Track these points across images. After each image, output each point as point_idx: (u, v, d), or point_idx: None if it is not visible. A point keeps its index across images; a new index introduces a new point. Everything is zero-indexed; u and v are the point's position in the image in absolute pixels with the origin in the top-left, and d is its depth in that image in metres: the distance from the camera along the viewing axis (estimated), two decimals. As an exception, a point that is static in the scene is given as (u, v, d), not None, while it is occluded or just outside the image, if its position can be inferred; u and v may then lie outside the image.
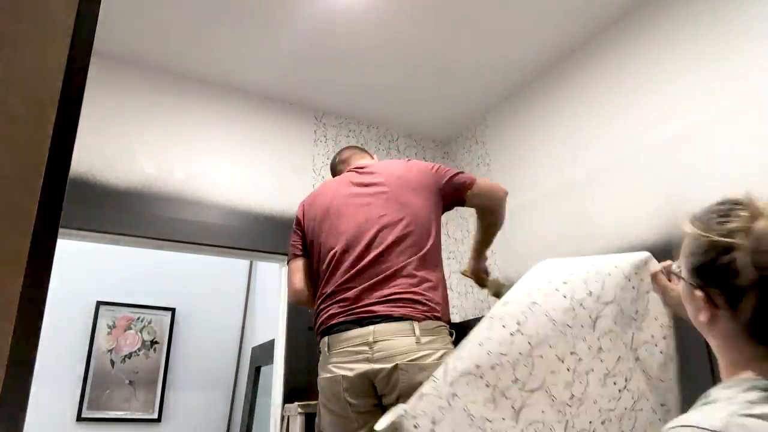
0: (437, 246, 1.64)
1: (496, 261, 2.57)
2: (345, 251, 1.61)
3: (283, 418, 2.25)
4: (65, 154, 0.54)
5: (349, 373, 1.49)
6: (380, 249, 1.57)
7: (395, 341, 1.46)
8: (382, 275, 1.54)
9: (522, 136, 2.61)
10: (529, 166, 2.54)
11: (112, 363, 3.45)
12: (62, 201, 0.53)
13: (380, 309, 1.51)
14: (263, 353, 3.49)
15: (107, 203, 2.23)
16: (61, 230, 0.53)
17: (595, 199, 2.16)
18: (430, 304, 1.52)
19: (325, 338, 1.58)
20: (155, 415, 3.45)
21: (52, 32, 0.55)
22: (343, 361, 1.52)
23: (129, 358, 3.50)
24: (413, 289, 1.53)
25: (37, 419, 3.14)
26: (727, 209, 0.82)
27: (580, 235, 2.19)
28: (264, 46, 2.34)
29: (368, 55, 2.42)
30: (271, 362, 2.64)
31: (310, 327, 2.43)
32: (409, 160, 1.80)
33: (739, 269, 0.73)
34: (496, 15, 2.17)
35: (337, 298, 1.58)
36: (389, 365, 1.44)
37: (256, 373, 3.61)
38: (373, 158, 1.88)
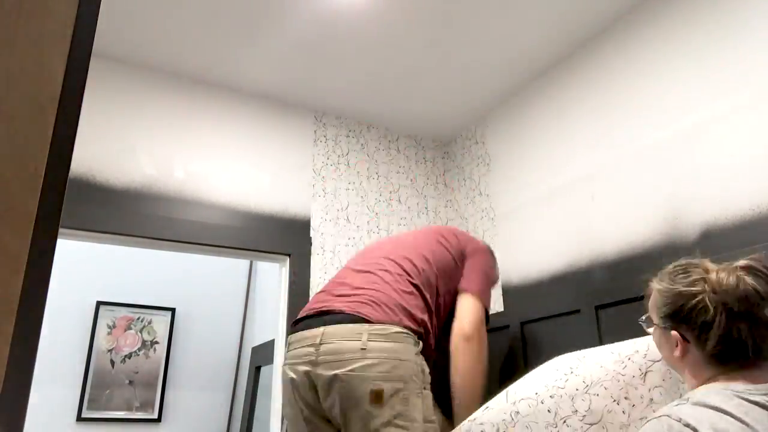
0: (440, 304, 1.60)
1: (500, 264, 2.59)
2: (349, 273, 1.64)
3: (283, 417, 2.25)
4: (65, 154, 0.54)
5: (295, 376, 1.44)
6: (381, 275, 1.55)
7: (342, 344, 1.36)
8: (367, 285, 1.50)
9: (522, 136, 2.61)
10: (529, 165, 2.54)
11: (112, 363, 3.45)
12: (62, 201, 0.53)
13: (338, 304, 1.44)
14: (263, 353, 3.49)
15: (107, 203, 2.23)
16: (61, 230, 0.53)
17: (596, 198, 2.16)
18: (402, 312, 1.43)
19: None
20: (155, 415, 3.46)
21: (52, 32, 0.55)
22: (293, 362, 1.48)
23: (129, 358, 3.50)
24: (389, 294, 1.46)
25: (37, 419, 3.14)
26: (685, 267, 1.04)
27: (580, 234, 2.19)
28: (264, 46, 2.35)
29: (368, 55, 2.42)
30: (271, 362, 2.64)
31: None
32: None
33: (707, 307, 0.95)
34: (496, 15, 2.17)
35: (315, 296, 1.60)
36: (330, 373, 1.35)
37: (256, 373, 3.61)
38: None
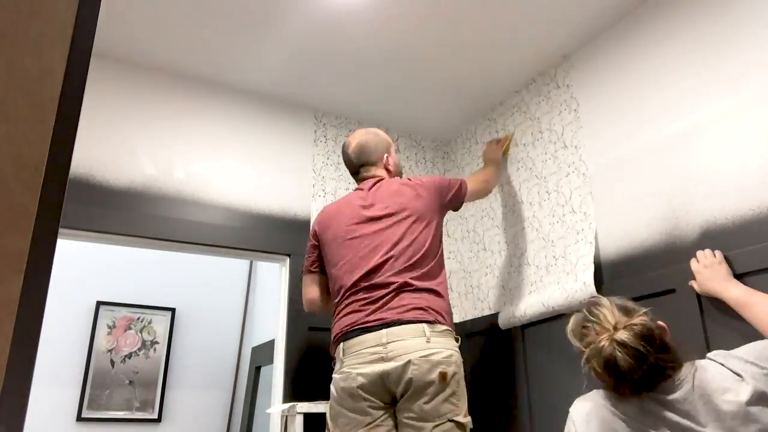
0: (440, 260, 1.88)
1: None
2: (355, 276, 1.81)
3: (283, 417, 2.25)
4: (65, 154, 0.54)
5: (365, 369, 1.68)
6: (388, 273, 1.78)
7: (407, 342, 1.64)
8: (390, 293, 1.74)
9: (519, 139, 2.61)
10: (527, 168, 2.54)
11: (112, 363, 3.45)
12: (62, 201, 0.53)
13: (390, 316, 1.71)
14: (263, 353, 3.49)
15: (107, 203, 2.23)
16: (61, 230, 0.53)
17: (601, 202, 2.16)
18: (434, 311, 1.73)
19: (340, 344, 1.76)
20: (155, 415, 3.46)
21: (52, 32, 0.55)
22: (359, 362, 1.69)
23: (129, 358, 3.50)
24: (418, 300, 1.74)
25: (37, 419, 3.14)
26: (584, 325, 1.33)
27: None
28: (264, 46, 2.35)
29: (368, 55, 2.42)
30: (271, 362, 2.64)
31: (311, 327, 2.44)
32: (409, 179, 2.03)
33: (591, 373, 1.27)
34: (496, 18, 2.17)
35: (350, 313, 1.78)
36: (401, 363, 1.62)
37: (256, 373, 3.61)
38: (386, 160, 2.12)
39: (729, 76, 1.76)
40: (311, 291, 2.02)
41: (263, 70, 2.52)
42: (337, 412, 1.72)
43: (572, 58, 2.39)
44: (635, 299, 1.89)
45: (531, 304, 2.29)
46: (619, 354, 1.19)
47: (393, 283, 1.75)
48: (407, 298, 1.73)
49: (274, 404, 2.34)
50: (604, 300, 1.32)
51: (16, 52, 0.53)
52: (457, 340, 1.74)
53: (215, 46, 2.35)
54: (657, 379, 1.21)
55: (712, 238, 1.72)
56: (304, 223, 2.60)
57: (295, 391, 2.31)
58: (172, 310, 3.70)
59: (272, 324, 2.81)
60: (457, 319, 2.77)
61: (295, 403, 2.14)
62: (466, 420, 1.65)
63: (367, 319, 1.72)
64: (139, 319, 3.59)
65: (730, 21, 1.78)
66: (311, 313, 2.09)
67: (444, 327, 1.71)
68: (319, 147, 2.79)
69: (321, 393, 2.30)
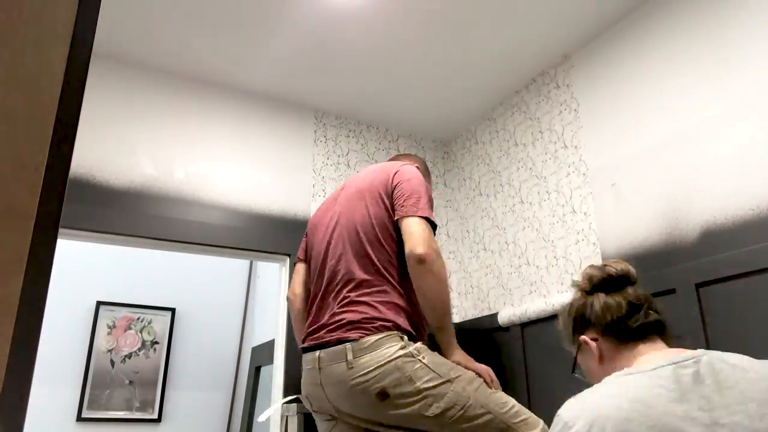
0: (387, 251, 1.60)
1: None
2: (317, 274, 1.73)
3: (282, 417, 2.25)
4: (65, 154, 0.54)
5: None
6: (330, 273, 1.65)
7: (333, 367, 1.49)
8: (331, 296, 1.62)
9: (519, 139, 2.61)
10: (527, 168, 2.54)
11: (112, 363, 3.45)
12: (62, 201, 0.53)
13: (326, 336, 1.57)
14: (263, 353, 3.49)
15: (107, 203, 2.23)
16: (61, 230, 0.53)
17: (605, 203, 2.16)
18: (369, 317, 1.50)
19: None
20: (155, 415, 3.46)
21: (52, 32, 0.55)
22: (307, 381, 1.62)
23: (129, 358, 3.50)
24: (351, 309, 1.54)
25: (37, 419, 3.14)
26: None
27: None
28: (264, 46, 2.35)
29: (368, 55, 2.42)
30: (271, 362, 2.64)
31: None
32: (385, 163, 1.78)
33: (588, 301, 1.11)
34: (496, 18, 2.17)
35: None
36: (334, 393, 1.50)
37: (256, 373, 3.61)
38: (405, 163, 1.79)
39: (729, 75, 1.76)
40: None
41: (263, 70, 2.52)
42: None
43: (572, 58, 2.39)
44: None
45: (534, 302, 2.29)
46: (618, 265, 1.12)
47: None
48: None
49: (273, 404, 2.34)
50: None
51: (16, 52, 0.53)
52: (401, 338, 1.48)
53: (215, 46, 2.35)
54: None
55: (712, 238, 1.72)
56: (304, 223, 2.60)
57: (295, 391, 2.31)
58: (172, 310, 3.70)
59: (272, 324, 2.81)
60: (457, 319, 2.77)
61: (280, 404, 2.14)
62: (443, 402, 1.43)
63: None
64: (139, 319, 3.59)
65: (729, 21, 1.79)
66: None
67: (375, 336, 1.47)
68: (319, 147, 2.79)
69: (321, 393, 2.30)
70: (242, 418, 3.60)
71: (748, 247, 1.60)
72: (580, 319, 1.12)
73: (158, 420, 3.46)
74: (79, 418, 3.27)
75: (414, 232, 1.54)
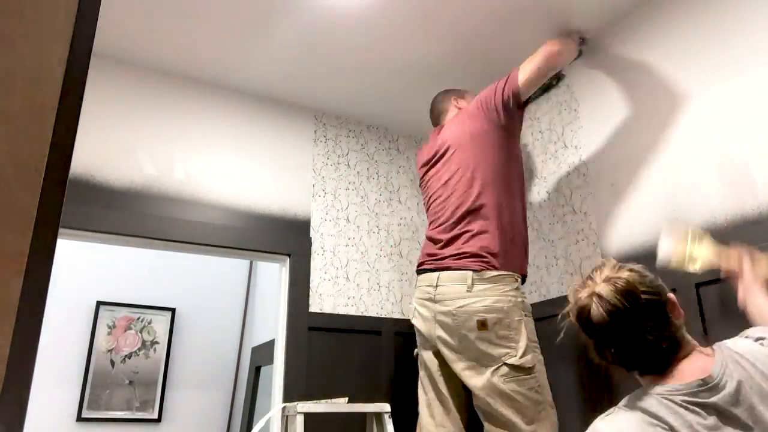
0: (497, 190, 1.87)
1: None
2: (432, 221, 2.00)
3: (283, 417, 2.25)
4: (65, 154, 0.54)
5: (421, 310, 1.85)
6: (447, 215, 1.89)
7: (450, 288, 1.73)
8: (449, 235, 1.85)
9: (520, 139, 2.61)
10: (527, 168, 2.54)
11: (112, 363, 3.45)
12: (62, 201, 0.53)
13: (445, 262, 1.80)
14: (263, 353, 3.49)
15: (107, 203, 2.23)
16: (61, 230, 0.53)
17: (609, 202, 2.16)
18: (482, 254, 1.75)
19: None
20: (155, 415, 3.46)
21: (52, 32, 0.55)
22: (418, 297, 1.88)
23: (129, 358, 3.50)
24: (464, 245, 1.79)
25: (37, 419, 3.14)
26: (578, 285, 1.22)
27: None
28: (264, 46, 2.34)
29: (368, 55, 2.42)
30: (271, 362, 2.64)
31: (311, 327, 2.44)
32: (461, 112, 2.10)
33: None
34: (495, 18, 2.17)
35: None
36: (446, 308, 1.73)
37: (256, 373, 3.61)
38: (458, 101, 2.22)
39: (729, 75, 1.76)
40: None
41: (263, 70, 2.52)
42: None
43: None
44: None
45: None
46: (594, 305, 1.08)
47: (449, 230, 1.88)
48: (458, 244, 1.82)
49: (274, 405, 2.34)
50: (611, 261, 1.18)
51: (16, 52, 0.53)
52: (516, 281, 1.76)
53: (215, 47, 2.35)
54: (648, 355, 1.06)
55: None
56: (304, 223, 2.60)
57: (295, 391, 2.30)
58: (172, 310, 3.70)
59: (272, 324, 2.81)
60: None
61: (284, 406, 2.14)
62: (522, 360, 1.65)
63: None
64: (139, 319, 3.59)
65: (730, 21, 1.78)
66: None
67: (492, 273, 1.72)
68: (319, 147, 2.79)
69: (321, 393, 2.30)
70: (242, 418, 3.60)
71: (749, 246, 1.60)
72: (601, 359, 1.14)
73: (158, 420, 3.46)
74: (79, 418, 3.27)
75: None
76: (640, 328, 1.05)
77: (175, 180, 2.39)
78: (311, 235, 2.59)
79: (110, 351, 3.46)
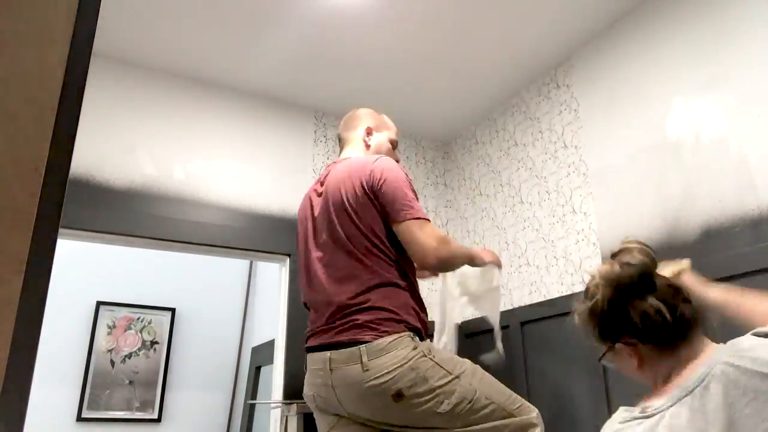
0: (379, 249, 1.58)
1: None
2: None
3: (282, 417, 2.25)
4: (65, 154, 0.54)
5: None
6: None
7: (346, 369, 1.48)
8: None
9: (519, 139, 2.61)
10: (527, 168, 2.54)
11: (112, 363, 3.45)
12: (62, 201, 0.53)
13: (336, 337, 1.54)
14: (263, 353, 3.49)
15: (107, 203, 2.23)
16: (61, 230, 0.53)
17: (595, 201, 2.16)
18: (375, 319, 1.50)
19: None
20: (155, 415, 3.45)
21: (52, 32, 0.55)
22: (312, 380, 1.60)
23: (129, 358, 3.50)
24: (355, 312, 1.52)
25: (37, 419, 3.14)
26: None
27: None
28: (264, 46, 2.35)
29: (368, 56, 2.42)
30: (271, 362, 2.64)
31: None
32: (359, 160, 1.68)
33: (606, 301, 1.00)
34: (496, 18, 2.17)
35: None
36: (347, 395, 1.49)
37: (256, 373, 3.61)
38: (367, 138, 1.79)
39: (729, 75, 1.76)
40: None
41: (263, 70, 2.52)
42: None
43: (572, 58, 2.39)
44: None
45: (533, 296, 2.29)
46: (594, 287, 1.01)
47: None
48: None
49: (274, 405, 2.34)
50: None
51: (16, 52, 0.53)
52: (412, 338, 1.50)
53: (215, 47, 2.35)
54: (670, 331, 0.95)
55: (712, 238, 1.72)
56: (304, 223, 2.60)
57: (295, 391, 2.31)
58: (172, 310, 3.70)
59: (272, 324, 2.81)
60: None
61: (292, 402, 2.14)
62: (449, 406, 1.46)
63: None
64: (139, 319, 3.59)
65: (730, 21, 1.79)
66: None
67: (388, 339, 1.48)
68: (319, 147, 2.78)
69: (321, 393, 2.30)
70: (242, 418, 3.60)
71: (749, 247, 1.60)
72: (611, 324, 1.01)
73: (158, 420, 3.46)
74: (79, 418, 3.27)
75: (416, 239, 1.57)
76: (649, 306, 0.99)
77: (175, 180, 2.39)
78: (311, 235, 2.59)
79: (110, 351, 3.46)
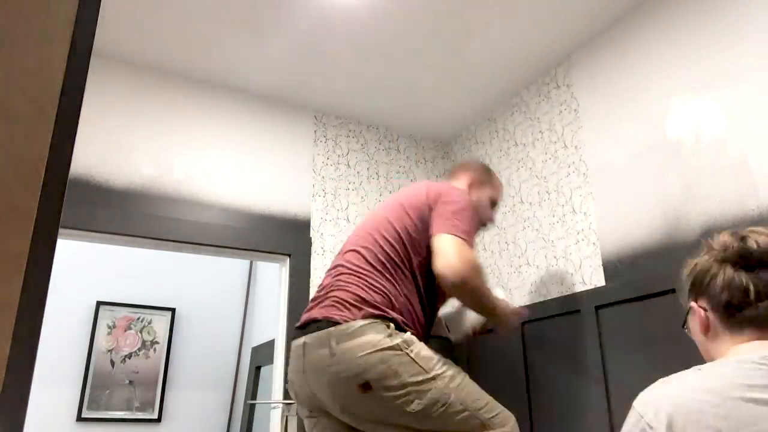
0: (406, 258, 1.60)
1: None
2: None
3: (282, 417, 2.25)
4: (65, 154, 0.54)
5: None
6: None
7: (316, 353, 1.45)
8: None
9: (519, 139, 2.61)
10: (527, 168, 2.54)
11: (112, 363, 3.45)
12: (62, 201, 0.53)
13: (315, 312, 1.54)
14: (263, 353, 3.49)
15: (107, 203, 2.23)
16: (61, 230, 0.53)
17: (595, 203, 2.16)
18: (359, 298, 1.49)
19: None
20: (155, 415, 3.46)
21: (52, 32, 0.55)
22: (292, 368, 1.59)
23: (129, 358, 3.50)
24: (349, 287, 1.52)
25: (37, 419, 3.14)
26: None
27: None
28: (264, 46, 2.35)
29: (368, 56, 2.42)
30: (271, 362, 2.64)
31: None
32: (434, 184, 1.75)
33: (711, 267, 1.00)
34: (496, 18, 2.17)
35: None
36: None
37: (256, 373, 3.61)
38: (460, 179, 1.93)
39: (728, 75, 1.76)
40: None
41: (263, 70, 2.52)
42: None
43: (572, 58, 2.39)
44: (635, 299, 1.90)
45: (532, 297, 2.29)
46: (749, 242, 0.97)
47: None
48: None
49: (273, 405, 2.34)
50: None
51: (16, 52, 0.53)
52: (387, 326, 1.46)
53: (215, 46, 2.35)
54: None
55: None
56: (304, 223, 2.60)
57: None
58: (172, 310, 3.70)
59: (272, 324, 2.81)
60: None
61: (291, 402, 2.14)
62: (419, 406, 1.40)
63: None
64: (139, 319, 3.59)
65: (730, 22, 1.79)
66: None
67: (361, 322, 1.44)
68: (319, 147, 2.79)
69: (321, 393, 2.29)
70: (242, 418, 3.60)
71: (748, 247, 1.60)
72: (698, 284, 1.02)
73: (158, 420, 3.46)
74: (79, 418, 3.27)
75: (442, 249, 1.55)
76: None
77: (174, 180, 2.39)
78: (311, 235, 2.59)
79: (110, 351, 3.46)
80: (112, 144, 2.32)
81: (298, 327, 1.58)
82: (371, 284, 1.53)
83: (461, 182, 1.93)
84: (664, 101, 1.96)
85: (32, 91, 0.53)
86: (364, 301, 1.48)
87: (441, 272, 1.52)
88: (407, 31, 2.26)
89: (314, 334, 1.47)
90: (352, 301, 1.48)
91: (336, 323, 1.44)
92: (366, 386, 1.38)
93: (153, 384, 3.50)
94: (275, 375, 2.42)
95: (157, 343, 3.60)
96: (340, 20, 2.19)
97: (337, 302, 1.49)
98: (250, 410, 3.54)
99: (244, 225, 2.46)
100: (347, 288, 1.52)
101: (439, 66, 2.49)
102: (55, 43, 0.55)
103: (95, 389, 3.35)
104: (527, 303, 2.39)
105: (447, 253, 1.52)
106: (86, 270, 3.51)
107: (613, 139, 2.14)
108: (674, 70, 1.94)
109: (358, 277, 1.54)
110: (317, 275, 2.53)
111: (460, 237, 1.55)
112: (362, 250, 1.61)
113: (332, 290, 1.54)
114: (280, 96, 2.72)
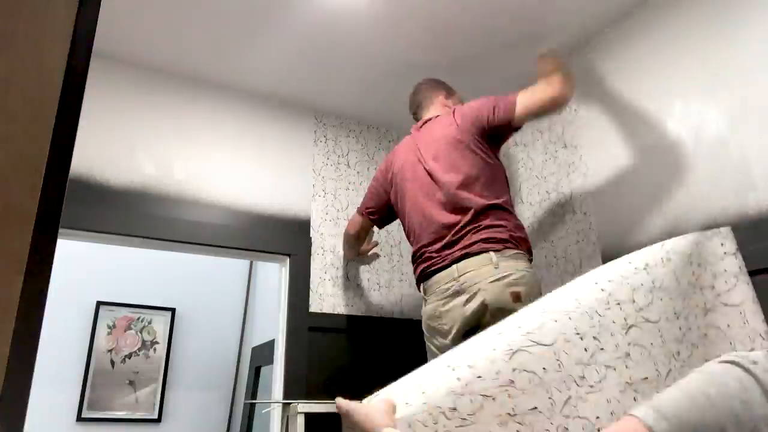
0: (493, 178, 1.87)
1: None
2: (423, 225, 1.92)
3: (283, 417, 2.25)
4: (65, 154, 0.54)
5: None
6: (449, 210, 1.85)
7: (478, 272, 1.70)
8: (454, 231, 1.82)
9: (519, 139, 2.61)
10: (527, 168, 2.54)
11: (112, 363, 3.45)
12: (62, 201, 0.53)
13: (458, 253, 1.77)
14: (263, 353, 3.49)
15: (107, 203, 2.23)
16: (61, 230, 0.53)
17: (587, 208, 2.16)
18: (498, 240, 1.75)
19: (421, 284, 1.90)
20: (155, 415, 3.45)
21: (52, 32, 0.55)
22: (438, 298, 1.81)
23: (129, 358, 3.50)
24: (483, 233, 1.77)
25: (37, 419, 3.14)
26: None
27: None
28: (264, 46, 2.34)
29: (369, 55, 2.42)
30: (271, 362, 2.64)
31: (311, 327, 2.44)
32: (453, 112, 2.02)
33: None
34: (495, 18, 2.17)
35: (428, 251, 1.88)
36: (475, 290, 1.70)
37: (256, 373, 3.61)
38: (447, 99, 2.21)
39: (729, 75, 1.76)
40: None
41: (263, 70, 2.52)
42: (428, 348, 1.88)
43: (572, 57, 2.39)
44: (635, 299, 1.90)
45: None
46: None
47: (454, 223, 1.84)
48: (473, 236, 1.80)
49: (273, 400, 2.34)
50: None
51: (16, 52, 0.53)
52: (530, 261, 1.78)
53: (215, 46, 2.35)
54: None
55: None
56: (304, 223, 2.60)
57: (295, 391, 2.31)
58: (172, 310, 3.70)
59: (272, 324, 2.81)
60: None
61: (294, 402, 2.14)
62: None
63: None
64: (139, 319, 3.59)
65: (731, 22, 1.79)
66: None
67: (512, 251, 1.74)
68: (319, 147, 2.78)
69: (321, 393, 2.30)
70: (242, 418, 3.60)
71: (749, 247, 1.60)
72: None
73: (158, 420, 3.46)
74: (79, 418, 3.27)
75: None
76: None
77: (175, 180, 2.39)
78: (311, 235, 2.59)
79: (110, 351, 3.46)
80: (112, 144, 2.32)
81: (437, 269, 1.83)
82: (508, 230, 1.82)
83: (446, 101, 2.21)
84: (664, 101, 1.96)
85: (32, 91, 0.53)
86: (509, 240, 1.78)
87: (561, 92, 1.85)
88: (407, 31, 2.26)
89: (472, 258, 1.74)
90: (503, 240, 1.77)
91: (495, 250, 1.76)
92: (518, 296, 1.65)
93: (153, 384, 3.50)
94: (275, 375, 2.42)
95: (157, 343, 3.60)
96: (341, 21, 2.19)
97: (488, 240, 1.77)
98: (250, 410, 3.54)
99: (244, 225, 2.46)
100: (490, 233, 1.78)
101: (440, 66, 2.49)
102: (55, 43, 0.55)
103: (95, 389, 3.35)
104: (527, 303, 2.39)
105: (546, 84, 1.89)
106: (86, 270, 3.51)
107: (613, 140, 2.14)
108: (675, 71, 1.94)
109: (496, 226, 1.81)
110: (317, 275, 2.53)
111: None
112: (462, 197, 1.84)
113: (476, 232, 1.78)
114: (280, 96, 2.72)
